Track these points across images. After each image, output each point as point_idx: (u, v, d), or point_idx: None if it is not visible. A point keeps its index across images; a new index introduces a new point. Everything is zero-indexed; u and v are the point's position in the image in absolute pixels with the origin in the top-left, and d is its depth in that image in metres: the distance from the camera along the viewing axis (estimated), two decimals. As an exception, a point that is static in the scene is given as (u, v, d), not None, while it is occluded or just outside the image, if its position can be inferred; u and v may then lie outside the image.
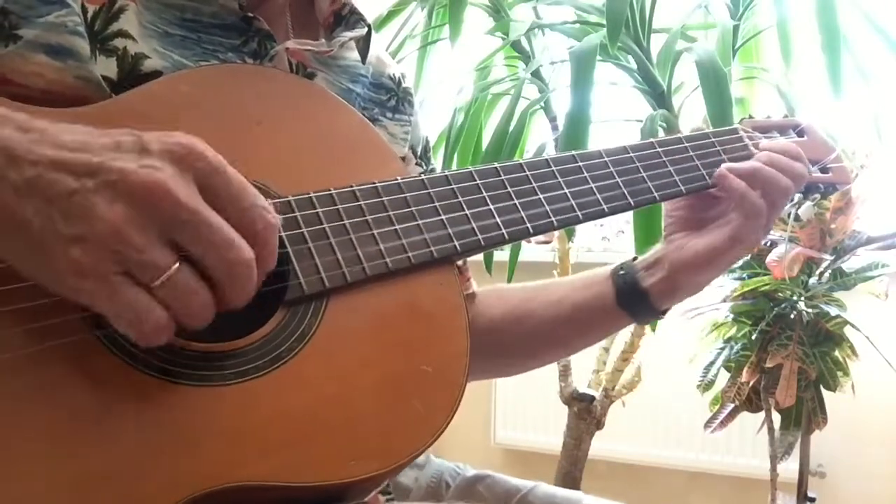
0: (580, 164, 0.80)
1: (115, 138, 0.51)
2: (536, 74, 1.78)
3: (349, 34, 0.82)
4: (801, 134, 0.94)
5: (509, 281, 1.74)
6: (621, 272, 0.89)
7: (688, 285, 0.86)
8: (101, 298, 0.49)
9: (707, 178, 0.86)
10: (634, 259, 0.90)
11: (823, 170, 0.92)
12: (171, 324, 0.51)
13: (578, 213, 0.77)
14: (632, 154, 0.83)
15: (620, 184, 0.81)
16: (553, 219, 0.76)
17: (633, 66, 1.62)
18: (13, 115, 0.50)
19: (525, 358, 0.98)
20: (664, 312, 0.90)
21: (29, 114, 0.51)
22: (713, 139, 0.88)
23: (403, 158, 0.90)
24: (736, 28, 1.60)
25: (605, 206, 0.79)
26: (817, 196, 0.95)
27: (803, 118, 0.97)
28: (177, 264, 0.50)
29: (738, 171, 0.84)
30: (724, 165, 0.85)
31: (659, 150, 0.85)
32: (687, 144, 0.86)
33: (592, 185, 0.79)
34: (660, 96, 1.60)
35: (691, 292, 0.87)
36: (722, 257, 0.84)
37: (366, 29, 0.84)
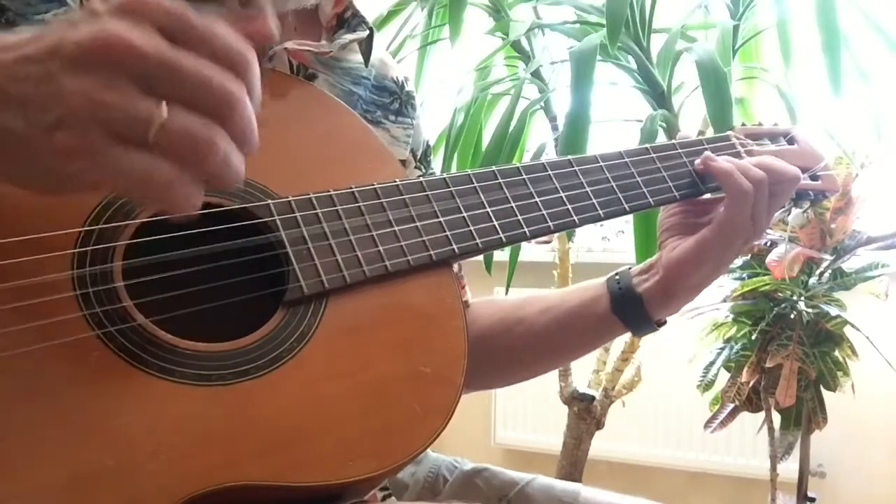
0: (576, 168, 0.80)
1: (67, 18, 0.47)
2: (536, 74, 1.78)
3: (350, 36, 0.82)
4: (791, 141, 0.95)
5: (509, 280, 1.74)
6: (616, 278, 0.88)
7: (681, 288, 0.84)
8: (99, 173, 0.46)
9: (700, 183, 0.86)
10: (631, 267, 0.89)
11: (813, 177, 0.93)
12: (186, 177, 0.47)
13: (575, 217, 0.78)
14: (627, 159, 0.84)
15: (616, 188, 0.81)
16: (550, 223, 0.76)
17: (633, 66, 1.62)
18: None
19: (516, 367, 0.96)
20: (660, 325, 0.88)
21: None
22: (706, 145, 0.89)
23: (404, 161, 0.90)
24: (736, 28, 1.60)
25: (601, 211, 0.79)
26: (806, 203, 0.95)
27: (794, 127, 0.97)
28: (164, 106, 0.46)
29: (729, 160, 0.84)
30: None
31: (653, 155, 0.85)
32: (681, 150, 0.87)
33: (588, 190, 0.80)
34: (660, 96, 1.60)
35: (685, 296, 0.86)
36: (711, 251, 0.82)
37: (367, 31, 0.84)
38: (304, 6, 0.81)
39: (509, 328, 0.92)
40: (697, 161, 0.85)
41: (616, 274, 0.89)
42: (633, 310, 0.86)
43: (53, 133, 0.45)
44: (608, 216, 0.80)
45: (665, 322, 0.89)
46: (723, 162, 0.82)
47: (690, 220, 0.87)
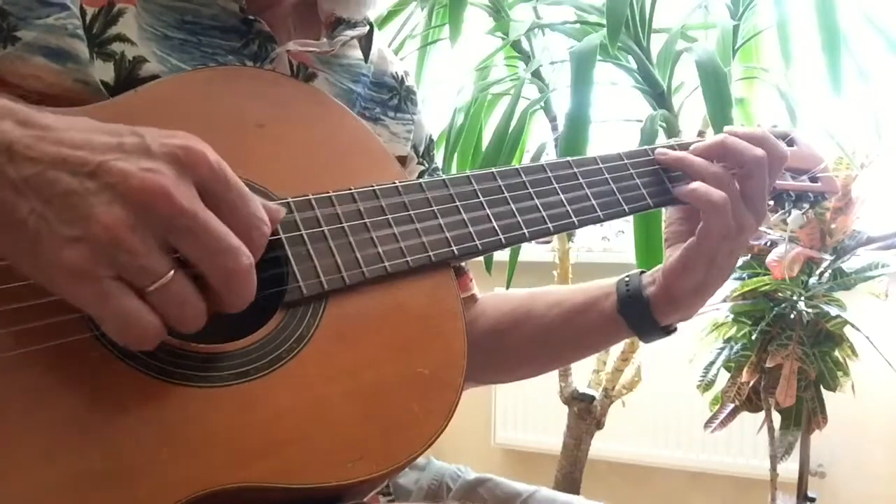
0: (576, 170, 0.80)
1: (118, 138, 0.50)
2: (536, 74, 1.78)
3: (351, 32, 0.82)
4: (790, 143, 0.95)
5: (509, 280, 1.74)
6: (626, 280, 0.88)
7: (681, 293, 0.84)
8: (91, 301, 0.48)
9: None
10: (643, 272, 0.89)
11: (813, 179, 0.92)
12: (162, 331, 0.50)
13: (574, 218, 0.78)
14: (626, 161, 0.84)
15: (615, 190, 0.81)
16: (549, 224, 0.76)
17: (633, 66, 1.62)
18: (14, 108, 0.49)
19: (523, 362, 0.95)
20: (668, 331, 0.88)
21: (31, 108, 0.50)
22: None
23: (405, 157, 0.90)
24: (736, 28, 1.60)
25: (600, 213, 0.80)
26: (806, 205, 0.95)
27: (794, 129, 0.97)
28: (172, 271, 0.49)
29: (699, 151, 0.83)
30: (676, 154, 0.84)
31: (652, 157, 0.85)
32: (679, 152, 0.87)
33: (588, 192, 0.80)
34: (660, 96, 1.60)
35: (689, 301, 0.85)
36: (697, 258, 0.82)
37: (367, 27, 0.84)
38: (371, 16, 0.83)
39: (517, 323, 0.92)
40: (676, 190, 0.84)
41: (627, 276, 0.89)
42: (638, 312, 0.86)
43: (66, 247, 0.47)
44: (608, 217, 0.80)
45: (675, 329, 0.88)
46: (686, 187, 0.82)
47: (684, 227, 0.87)
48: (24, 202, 0.47)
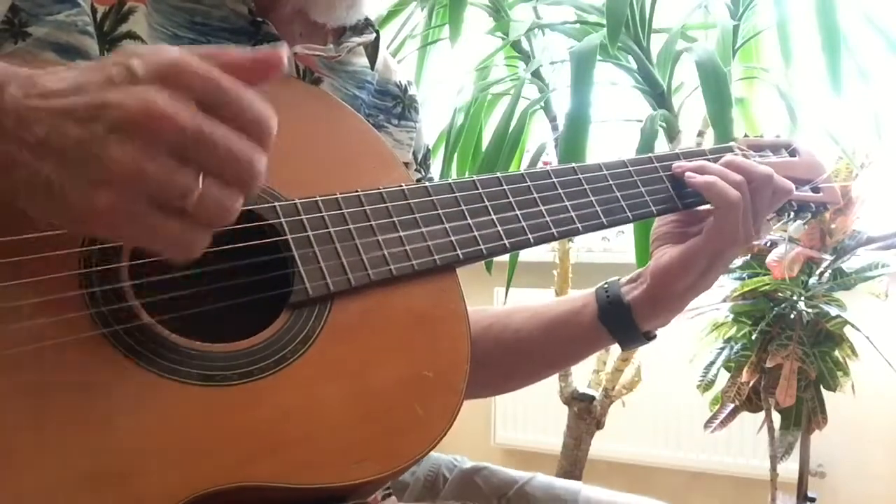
0: (580, 176, 0.81)
1: (105, 72, 0.48)
2: (536, 74, 1.78)
3: (357, 39, 0.82)
4: (793, 153, 0.95)
5: (509, 280, 1.74)
6: (605, 287, 0.88)
7: (667, 296, 0.84)
8: (138, 234, 0.48)
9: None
10: (621, 278, 0.89)
11: (814, 189, 0.92)
12: (208, 235, 0.50)
13: (578, 224, 0.78)
14: (630, 168, 0.84)
15: (619, 197, 0.82)
16: (553, 230, 0.77)
17: (633, 66, 1.63)
18: (15, 73, 0.49)
19: (504, 375, 0.94)
20: (649, 338, 0.88)
21: (24, 70, 0.49)
22: (709, 156, 0.89)
23: (407, 164, 0.90)
24: (736, 28, 1.60)
25: (604, 219, 0.80)
26: (808, 215, 0.95)
27: (796, 139, 0.98)
28: (201, 179, 0.48)
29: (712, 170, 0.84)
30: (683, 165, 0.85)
31: (657, 164, 0.86)
32: (684, 161, 0.87)
33: (592, 198, 0.80)
34: (660, 96, 1.60)
35: (672, 305, 0.85)
36: (698, 259, 0.82)
37: (374, 35, 0.84)
38: (349, 24, 0.81)
39: (496, 336, 0.91)
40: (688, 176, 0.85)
41: (605, 283, 0.89)
42: (620, 319, 0.86)
43: (97, 191, 0.46)
44: (611, 224, 0.81)
45: (655, 336, 0.89)
46: (702, 177, 0.82)
47: (681, 230, 0.87)
48: (44, 163, 0.47)
